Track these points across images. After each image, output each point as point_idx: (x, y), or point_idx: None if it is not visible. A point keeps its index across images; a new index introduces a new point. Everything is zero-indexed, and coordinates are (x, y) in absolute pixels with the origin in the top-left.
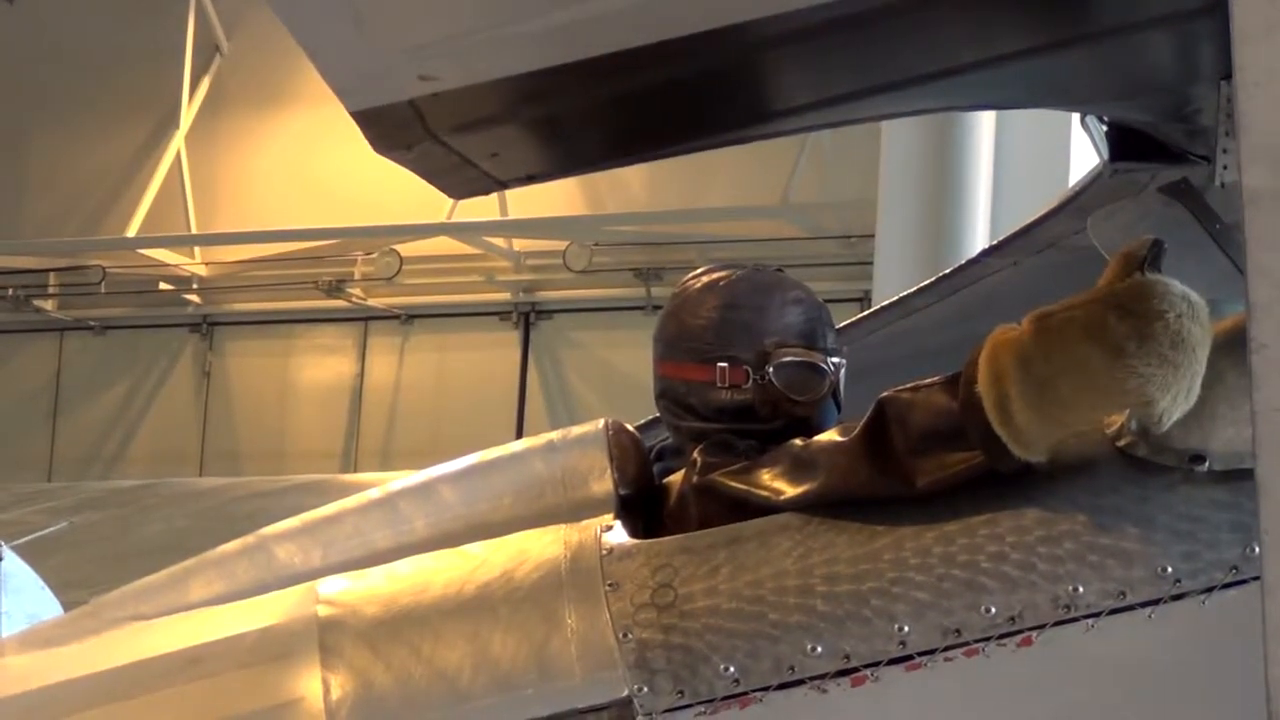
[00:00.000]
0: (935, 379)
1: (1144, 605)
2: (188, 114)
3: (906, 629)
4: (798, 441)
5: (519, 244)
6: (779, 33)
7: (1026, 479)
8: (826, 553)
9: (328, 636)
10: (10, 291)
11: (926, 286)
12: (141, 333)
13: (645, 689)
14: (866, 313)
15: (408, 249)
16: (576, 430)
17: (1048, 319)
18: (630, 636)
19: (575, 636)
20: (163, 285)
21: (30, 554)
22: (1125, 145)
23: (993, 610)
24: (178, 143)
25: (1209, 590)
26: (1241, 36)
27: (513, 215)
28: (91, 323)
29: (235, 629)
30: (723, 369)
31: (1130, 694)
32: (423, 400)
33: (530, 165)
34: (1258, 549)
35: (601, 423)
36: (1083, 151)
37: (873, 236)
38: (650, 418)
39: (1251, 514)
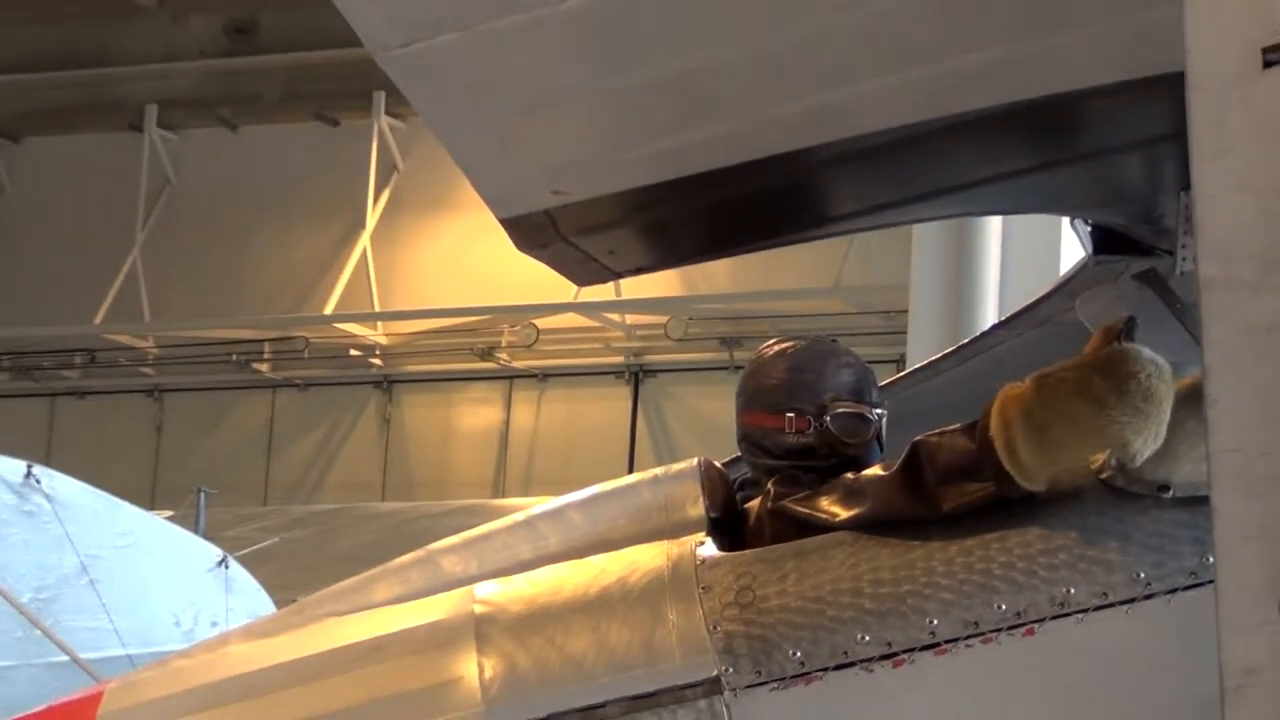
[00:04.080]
0: (957, 426)
1: (1122, 603)
2: (372, 218)
3: (936, 622)
4: (849, 475)
5: (630, 318)
6: (835, 155)
7: (1029, 504)
8: (872, 562)
9: (482, 629)
10: (234, 357)
11: (949, 353)
12: (336, 389)
13: (731, 669)
14: (902, 373)
15: (543, 323)
16: (676, 466)
17: (1045, 379)
18: (719, 628)
19: (675, 629)
20: (353, 352)
21: (249, 563)
22: (1106, 241)
23: (1003, 607)
24: (364, 241)
25: (1174, 591)
26: (1198, 158)
27: (626, 295)
28: (297, 381)
29: (409, 623)
30: (790, 418)
31: (1111, 672)
32: (555, 442)
33: (639, 259)
34: (1211, 559)
35: (695, 460)
36: (1072, 246)
37: (906, 312)
38: (733, 456)
39: (1207, 531)
